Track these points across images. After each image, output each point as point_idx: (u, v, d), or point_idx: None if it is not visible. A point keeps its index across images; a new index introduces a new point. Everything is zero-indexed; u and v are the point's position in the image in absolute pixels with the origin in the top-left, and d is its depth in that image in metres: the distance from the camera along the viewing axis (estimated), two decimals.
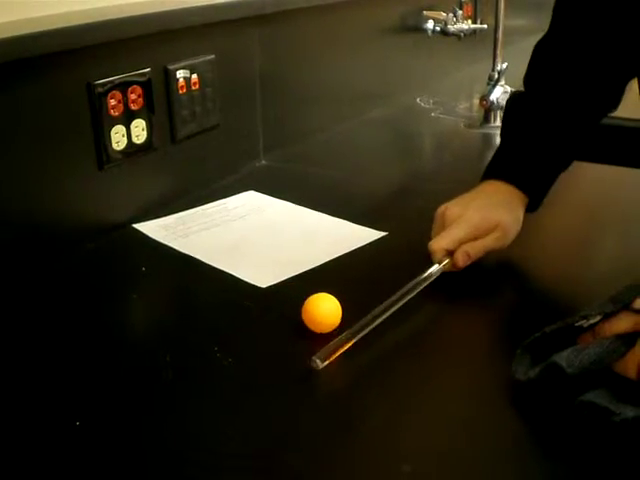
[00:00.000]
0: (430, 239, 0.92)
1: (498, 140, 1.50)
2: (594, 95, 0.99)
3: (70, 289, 0.91)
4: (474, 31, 1.90)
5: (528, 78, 1.03)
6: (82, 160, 1.00)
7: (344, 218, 1.09)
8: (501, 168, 0.98)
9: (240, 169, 1.30)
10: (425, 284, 0.86)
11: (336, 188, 1.25)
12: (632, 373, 0.64)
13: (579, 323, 0.69)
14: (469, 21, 1.96)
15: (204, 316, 0.85)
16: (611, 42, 0.96)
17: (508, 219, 0.92)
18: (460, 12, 1.88)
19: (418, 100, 1.83)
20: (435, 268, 0.88)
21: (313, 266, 0.94)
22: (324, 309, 0.79)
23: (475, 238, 0.91)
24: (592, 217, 1.14)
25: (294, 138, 1.43)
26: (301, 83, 1.44)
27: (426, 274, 0.87)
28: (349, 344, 0.75)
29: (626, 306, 0.67)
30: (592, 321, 0.69)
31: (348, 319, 0.79)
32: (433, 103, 1.80)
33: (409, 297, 0.83)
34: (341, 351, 0.74)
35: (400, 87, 1.81)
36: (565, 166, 1.00)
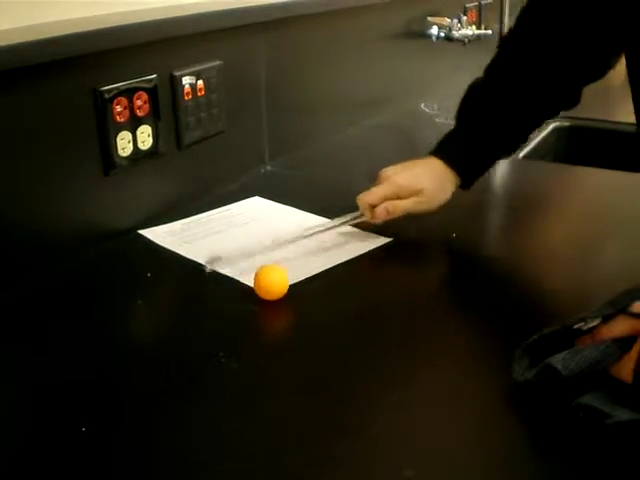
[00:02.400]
0: None
1: None
2: (547, 93, 1.05)
3: (75, 294, 0.91)
4: (478, 37, 1.90)
5: (489, 67, 1.09)
6: (88, 166, 1.00)
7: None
8: (441, 147, 1.08)
9: (245, 175, 1.30)
10: (341, 222, 1.05)
11: (341, 194, 1.24)
12: (627, 376, 0.64)
13: (577, 325, 0.69)
14: (473, 27, 1.97)
15: (209, 321, 0.85)
16: (573, 43, 1.00)
17: (432, 187, 1.03)
18: (464, 18, 1.89)
19: (422, 106, 1.83)
20: (355, 214, 1.05)
21: (318, 271, 0.94)
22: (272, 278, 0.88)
23: (398, 198, 1.02)
24: (595, 221, 1.15)
25: (299, 144, 1.44)
26: (306, 89, 1.45)
27: (349, 216, 1.05)
28: None
29: (624, 310, 0.68)
30: (591, 324, 0.69)
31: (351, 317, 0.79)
32: (438, 108, 1.81)
33: (325, 228, 1.03)
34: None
35: (405, 93, 1.82)
36: (504, 155, 1.10)
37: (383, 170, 1.06)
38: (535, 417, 0.67)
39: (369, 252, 1.00)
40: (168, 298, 0.93)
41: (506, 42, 1.09)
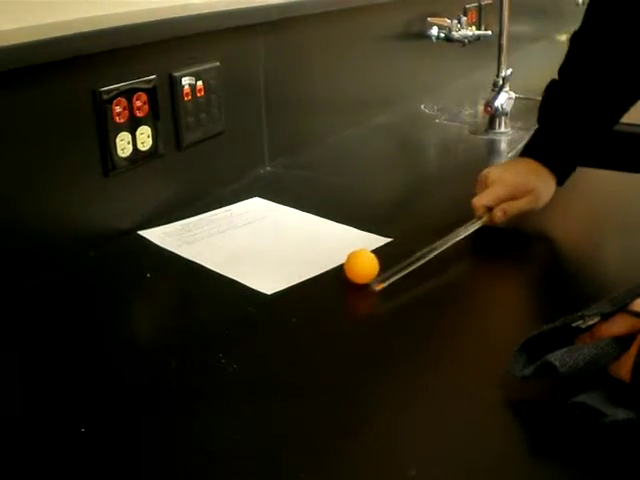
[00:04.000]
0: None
1: (503, 146, 1.53)
2: (623, 85, 1.06)
3: (75, 295, 0.91)
4: (478, 37, 1.90)
5: (564, 68, 1.11)
6: (88, 167, 1.00)
7: (349, 224, 1.09)
8: (531, 148, 1.10)
9: (245, 176, 1.30)
10: (466, 234, 1.01)
11: (341, 194, 1.25)
12: (626, 375, 0.64)
13: (576, 323, 0.69)
14: (473, 27, 1.96)
15: (209, 323, 0.84)
16: None
17: (541, 186, 1.05)
18: (464, 19, 1.89)
19: (423, 106, 1.83)
20: (475, 221, 1.03)
21: (319, 272, 0.94)
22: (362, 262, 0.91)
23: (512, 199, 1.04)
24: (602, 220, 1.15)
25: (299, 145, 1.44)
26: (306, 90, 1.44)
27: (468, 225, 1.02)
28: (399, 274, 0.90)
29: (624, 308, 0.68)
30: (590, 322, 0.69)
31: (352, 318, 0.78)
32: (438, 109, 1.81)
33: (450, 243, 0.97)
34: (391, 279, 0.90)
35: (405, 93, 1.82)
36: (593, 148, 1.10)
37: (486, 172, 1.08)
38: (534, 417, 0.66)
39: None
40: (168, 299, 0.93)
41: (577, 39, 1.10)
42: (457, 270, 0.97)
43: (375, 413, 0.68)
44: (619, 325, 0.67)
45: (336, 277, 0.93)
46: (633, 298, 0.68)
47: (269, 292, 0.89)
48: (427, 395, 0.71)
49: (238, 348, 0.78)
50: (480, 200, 1.04)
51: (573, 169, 1.10)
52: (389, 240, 1.03)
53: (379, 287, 0.89)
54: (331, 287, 0.92)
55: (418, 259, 0.93)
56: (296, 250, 1.02)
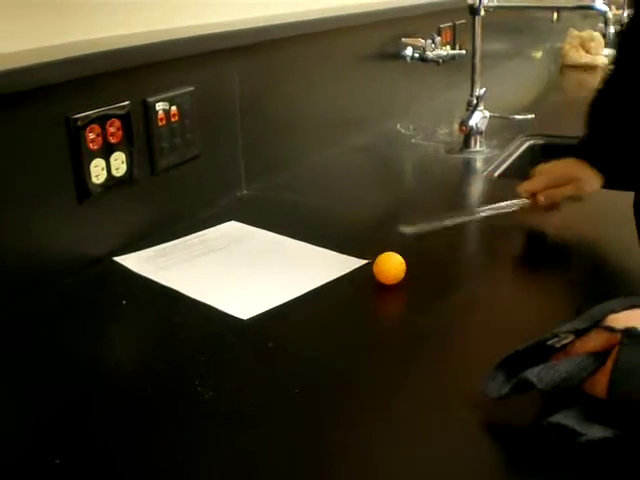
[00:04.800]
0: None
1: (478, 164, 1.54)
2: None
3: (50, 323, 0.90)
4: (453, 56, 1.91)
5: (607, 81, 1.18)
6: (61, 194, 1.00)
7: (326, 246, 1.09)
8: (579, 150, 1.18)
9: (222, 199, 1.30)
10: (504, 210, 1.19)
11: (318, 216, 1.25)
12: (602, 392, 0.64)
13: (551, 342, 0.69)
14: (448, 47, 1.98)
15: (185, 349, 0.84)
16: None
17: (585, 177, 1.14)
18: (438, 38, 1.90)
19: (399, 126, 1.84)
20: (517, 201, 1.20)
21: (294, 296, 0.94)
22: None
23: (556, 187, 1.16)
24: (568, 237, 1.15)
25: (276, 167, 1.44)
26: (282, 112, 1.45)
27: (509, 202, 1.20)
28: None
29: (598, 324, 0.68)
30: (565, 341, 0.69)
31: (328, 342, 0.78)
32: (414, 129, 1.82)
33: (486, 214, 1.18)
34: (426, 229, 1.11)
35: (381, 114, 1.83)
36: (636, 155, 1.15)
37: (537, 167, 1.20)
38: (510, 437, 0.67)
39: (346, 274, 1.00)
40: (144, 326, 0.92)
41: (625, 46, 1.17)
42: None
43: (351, 437, 0.68)
44: (594, 341, 0.67)
45: (313, 300, 0.93)
46: (606, 314, 0.68)
47: (245, 317, 0.89)
48: (406, 414, 0.71)
49: (214, 374, 0.78)
50: (524, 186, 1.18)
51: (618, 172, 1.15)
52: (365, 262, 1.03)
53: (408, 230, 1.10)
54: (307, 311, 0.92)
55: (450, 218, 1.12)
56: (272, 274, 1.02)
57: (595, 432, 0.62)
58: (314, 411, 0.72)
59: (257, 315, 0.89)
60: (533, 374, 0.66)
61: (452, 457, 0.65)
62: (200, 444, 0.67)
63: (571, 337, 0.69)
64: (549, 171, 1.19)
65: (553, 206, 1.19)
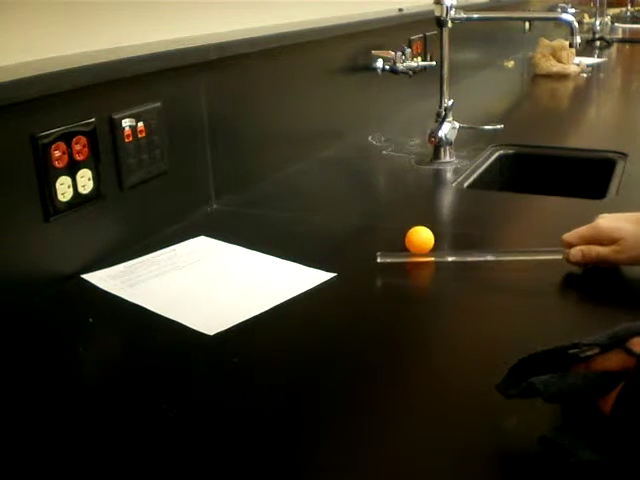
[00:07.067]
0: None
1: (448, 175, 1.55)
2: None
3: (16, 342, 0.90)
4: (424, 68, 1.93)
5: None
6: (27, 212, 0.99)
7: (296, 260, 1.09)
8: None
9: (191, 214, 1.30)
10: (535, 257, 1.05)
11: (288, 230, 1.25)
12: (608, 411, 0.63)
13: (573, 351, 0.68)
14: (418, 58, 2.00)
15: (150, 366, 0.84)
16: None
17: (633, 239, 0.97)
18: (408, 50, 1.92)
19: (370, 138, 1.85)
20: (551, 249, 1.04)
21: (262, 310, 0.94)
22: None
23: (598, 243, 0.99)
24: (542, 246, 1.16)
25: (246, 181, 1.44)
26: (251, 126, 1.45)
27: (544, 249, 1.05)
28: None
29: (622, 344, 0.67)
30: (589, 353, 0.68)
31: (295, 356, 0.78)
32: (385, 141, 1.83)
33: (515, 258, 1.05)
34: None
35: (352, 126, 1.84)
36: None
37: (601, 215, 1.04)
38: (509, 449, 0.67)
39: (313, 288, 1.00)
40: (110, 344, 0.92)
41: None
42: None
43: (316, 454, 0.68)
44: (613, 360, 0.66)
45: (280, 314, 0.94)
46: (631, 335, 0.67)
47: (211, 332, 0.89)
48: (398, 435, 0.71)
49: (179, 391, 0.78)
50: (567, 236, 1.02)
51: None
52: (332, 275, 1.03)
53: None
54: (275, 325, 0.92)
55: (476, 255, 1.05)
56: (240, 289, 1.02)
57: (584, 454, 0.61)
58: (280, 427, 0.72)
59: (223, 330, 0.89)
60: (541, 381, 0.65)
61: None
62: (165, 462, 0.67)
63: (597, 350, 0.68)
64: (597, 222, 1.02)
65: (586, 264, 1.02)
